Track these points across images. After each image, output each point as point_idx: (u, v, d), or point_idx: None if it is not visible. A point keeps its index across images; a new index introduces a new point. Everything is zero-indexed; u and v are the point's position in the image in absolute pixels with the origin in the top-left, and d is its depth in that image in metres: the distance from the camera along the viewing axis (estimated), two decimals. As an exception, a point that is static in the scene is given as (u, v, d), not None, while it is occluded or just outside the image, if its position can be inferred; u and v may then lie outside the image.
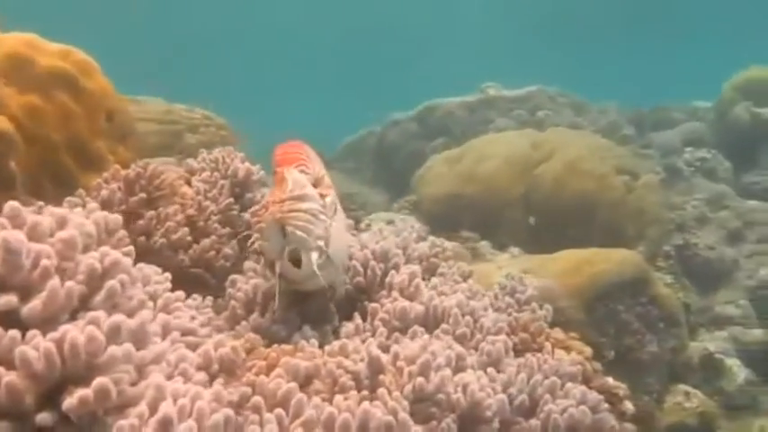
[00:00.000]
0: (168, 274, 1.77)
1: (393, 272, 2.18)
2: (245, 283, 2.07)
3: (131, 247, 1.51)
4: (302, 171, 1.96)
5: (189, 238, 2.23)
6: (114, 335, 1.12)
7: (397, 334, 1.93)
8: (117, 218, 1.47)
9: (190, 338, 1.56)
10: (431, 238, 2.64)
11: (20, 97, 2.13)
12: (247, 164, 2.49)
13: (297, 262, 1.77)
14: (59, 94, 2.23)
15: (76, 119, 2.26)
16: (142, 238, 2.15)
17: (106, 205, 2.13)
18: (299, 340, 1.84)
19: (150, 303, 1.54)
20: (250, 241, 1.96)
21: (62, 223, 1.28)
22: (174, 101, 7.80)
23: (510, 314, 2.24)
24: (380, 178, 9.22)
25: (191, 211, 2.33)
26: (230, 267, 2.33)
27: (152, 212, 2.17)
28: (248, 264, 2.18)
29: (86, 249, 1.31)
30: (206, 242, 2.28)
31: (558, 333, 2.26)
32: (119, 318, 1.14)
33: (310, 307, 2.02)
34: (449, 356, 1.75)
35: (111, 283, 1.24)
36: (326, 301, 2.06)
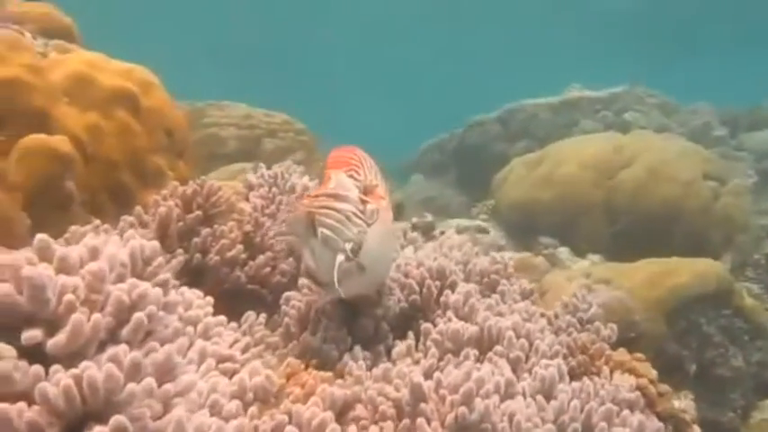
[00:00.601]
0: (210, 299, 1.76)
1: (448, 291, 2.13)
2: (299, 300, 2.06)
3: (168, 276, 1.50)
4: (351, 176, 1.91)
5: (244, 255, 2.23)
6: (134, 371, 1.12)
7: (449, 356, 1.88)
8: (154, 245, 1.46)
9: (227, 365, 1.55)
10: (492, 254, 2.57)
11: (81, 116, 2.18)
12: (306, 179, 2.48)
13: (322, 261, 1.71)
14: (120, 112, 2.27)
15: (136, 136, 2.29)
16: (198, 255, 2.17)
17: (163, 222, 2.16)
18: (348, 361, 1.81)
19: (190, 329, 1.54)
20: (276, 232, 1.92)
21: (94, 254, 1.28)
22: (261, 106, 7.91)
23: (570, 334, 2.15)
24: (462, 181, 9.12)
25: (247, 227, 2.34)
26: (287, 283, 2.32)
27: (208, 229, 2.18)
28: (303, 280, 2.16)
29: (120, 279, 1.31)
30: (261, 258, 2.28)
31: (621, 354, 2.15)
32: (138, 355, 1.13)
33: (363, 324, 1.99)
34: (497, 383, 1.69)
35: (138, 315, 1.23)
36: (380, 319, 2.03)
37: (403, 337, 2.01)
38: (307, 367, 1.75)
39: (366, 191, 1.92)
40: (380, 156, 2.16)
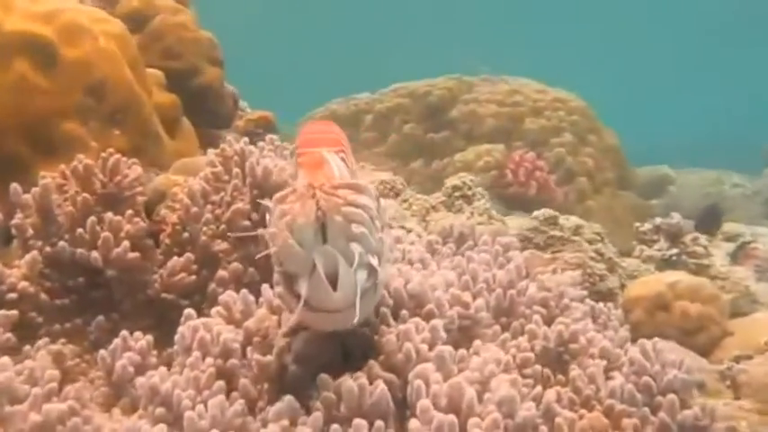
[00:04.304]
0: None
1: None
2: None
3: None
4: (342, 159, 1.38)
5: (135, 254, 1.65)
6: None
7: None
8: None
9: None
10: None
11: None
12: (268, 160, 1.86)
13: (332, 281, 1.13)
14: (19, 63, 1.77)
15: (40, 94, 1.78)
16: (81, 251, 1.62)
17: (41, 205, 1.63)
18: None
19: None
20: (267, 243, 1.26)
21: None
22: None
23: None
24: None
25: (173, 218, 1.76)
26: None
27: (92, 218, 1.62)
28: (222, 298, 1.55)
29: None
30: (177, 261, 1.70)
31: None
32: None
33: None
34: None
35: None
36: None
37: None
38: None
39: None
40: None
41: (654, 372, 1.50)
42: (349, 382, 1.23)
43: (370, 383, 1.26)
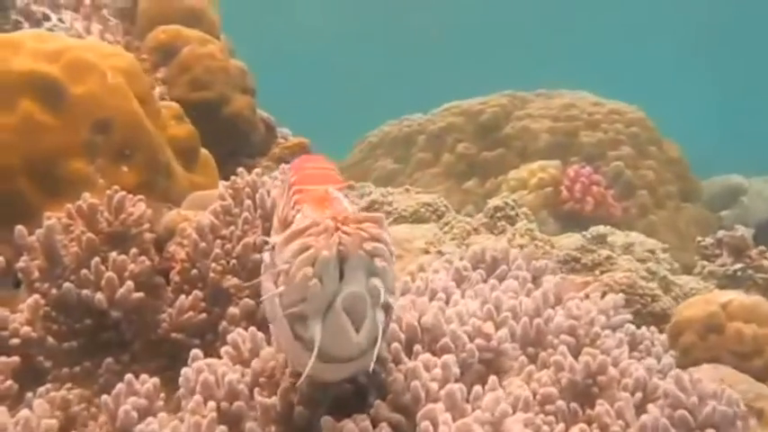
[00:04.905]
0: None
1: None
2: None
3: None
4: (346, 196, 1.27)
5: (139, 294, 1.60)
6: None
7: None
8: None
9: None
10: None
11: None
12: (277, 191, 1.80)
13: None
14: (24, 102, 1.75)
15: (46, 132, 1.75)
16: (86, 293, 1.58)
17: (46, 247, 1.60)
18: None
19: None
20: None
21: None
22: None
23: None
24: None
25: (182, 254, 1.71)
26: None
27: (96, 258, 1.58)
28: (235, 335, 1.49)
29: None
30: (183, 300, 1.64)
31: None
32: None
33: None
34: None
35: None
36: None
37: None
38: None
39: None
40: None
41: (690, 404, 1.40)
42: (350, 426, 1.16)
43: (375, 426, 1.19)
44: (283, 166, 1.98)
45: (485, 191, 6.71)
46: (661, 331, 1.92)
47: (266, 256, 1.17)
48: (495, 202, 4.21)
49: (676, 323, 2.78)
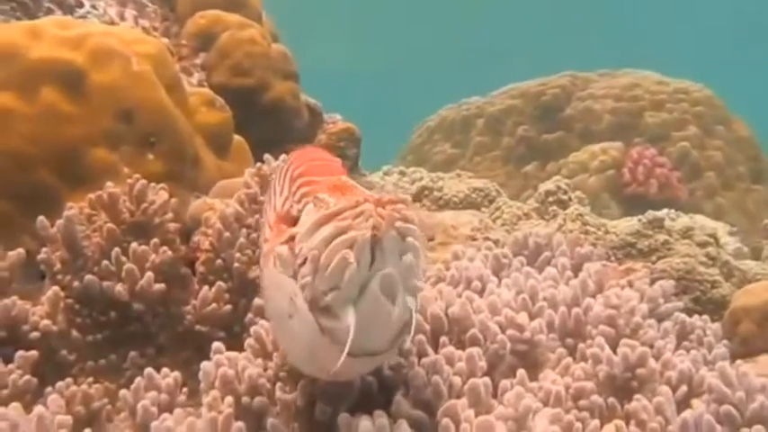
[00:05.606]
0: None
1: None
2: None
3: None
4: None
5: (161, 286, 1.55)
6: None
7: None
8: None
9: None
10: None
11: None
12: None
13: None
14: (46, 91, 1.72)
15: (69, 122, 1.72)
16: (108, 284, 1.54)
17: (67, 237, 1.57)
18: None
19: None
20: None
21: None
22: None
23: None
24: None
25: (206, 244, 1.66)
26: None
27: (117, 249, 1.54)
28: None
29: None
30: (207, 292, 1.59)
31: None
32: None
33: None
34: None
35: None
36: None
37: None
38: None
39: None
40: None
41: (737, 399, 1.29)
42: (365, 424, 1.09)
43: (395, 422, 1.12)
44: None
45: (546, 174, 6.53)
46: (720, 319, 1.80)
47: (266, 249, 1.11)
48: (546, 186, 4.09)
49: (733, 311, 2.62)
